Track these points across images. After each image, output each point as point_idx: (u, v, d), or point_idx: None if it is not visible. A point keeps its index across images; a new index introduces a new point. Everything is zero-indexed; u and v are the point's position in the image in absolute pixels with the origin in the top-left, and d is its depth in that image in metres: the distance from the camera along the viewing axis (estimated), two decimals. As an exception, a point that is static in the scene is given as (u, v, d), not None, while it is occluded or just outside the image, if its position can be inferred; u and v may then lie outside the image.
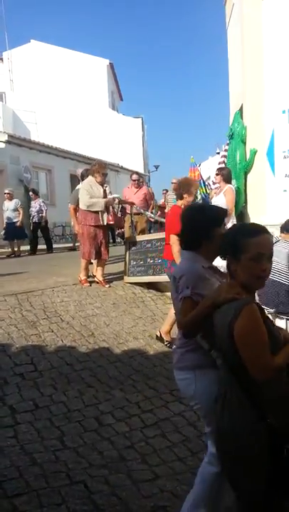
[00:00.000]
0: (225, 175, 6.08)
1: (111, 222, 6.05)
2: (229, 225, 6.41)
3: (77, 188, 6.87)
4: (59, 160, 15.66)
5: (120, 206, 6.78)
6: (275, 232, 5.42)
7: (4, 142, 13.27)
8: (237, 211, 6.24)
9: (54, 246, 11.62)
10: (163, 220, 7.99)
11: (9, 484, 2.28)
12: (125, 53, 61.56)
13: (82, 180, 6.73)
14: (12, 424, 2.87)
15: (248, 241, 1.57)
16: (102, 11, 57.24)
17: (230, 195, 5.97)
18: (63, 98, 20.84)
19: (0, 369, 3.54)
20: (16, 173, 13.44)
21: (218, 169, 6.42)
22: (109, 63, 23.01)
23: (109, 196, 6.00)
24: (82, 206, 5.80)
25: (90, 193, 5.73)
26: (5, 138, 13.29)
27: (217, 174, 6.23)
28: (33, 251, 10.77)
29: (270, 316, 3.91)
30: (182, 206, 4.27)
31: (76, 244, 10.77)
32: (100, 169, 5.83)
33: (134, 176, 7.84)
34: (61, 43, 34.46)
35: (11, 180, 12.88)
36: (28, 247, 10.87)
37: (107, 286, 5.83)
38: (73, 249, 10.86)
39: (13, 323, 4.37)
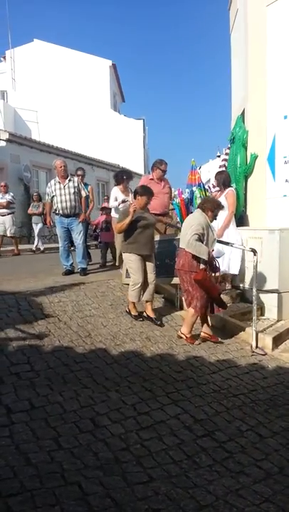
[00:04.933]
0: (222, 179, 6.11)
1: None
2: (232, 228, 6.36)
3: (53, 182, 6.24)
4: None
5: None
6: (276, 236, 5.42)
7: (5, 141, 13.29)
8: (237, 214, 6.26)
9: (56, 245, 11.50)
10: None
11: (3, 484, 2.27)
12: (128, 55, 61.76)
13: (64, 175, 6.21)
14: (7, 424, 2.86)
15: None
16: (106, 12, 57.35)
17: (232, 198, 6.00)
18: (65, 98, 20.87)
19: (-4, 368, 3.53)
20: (16, 172, 13.45)
21: (217, 173, 6.44)
22: (112, 64, 23.07)
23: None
24: (189, 248, 4.53)
25: (199, 234, 4.50)
26: (6, 136, 13.30)
27: (216, 179, 6.27)
28: None
29: None
30: None
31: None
32: (215, 209, 4.71)
33: (164, 166, 6.01)
34: (64, 42, 34.48)
35: (10, 179, 12.89)
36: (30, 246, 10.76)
37: (217, 340, 4.75)
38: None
39: (11, 323, 4.37)
